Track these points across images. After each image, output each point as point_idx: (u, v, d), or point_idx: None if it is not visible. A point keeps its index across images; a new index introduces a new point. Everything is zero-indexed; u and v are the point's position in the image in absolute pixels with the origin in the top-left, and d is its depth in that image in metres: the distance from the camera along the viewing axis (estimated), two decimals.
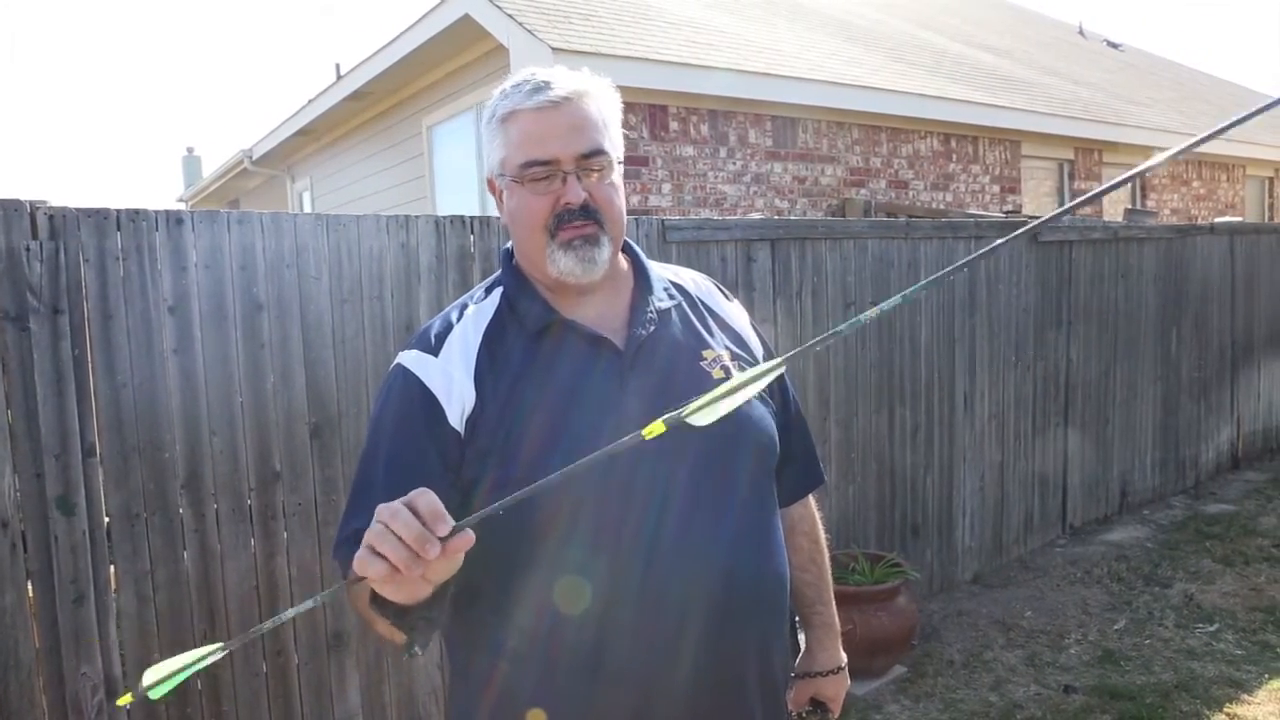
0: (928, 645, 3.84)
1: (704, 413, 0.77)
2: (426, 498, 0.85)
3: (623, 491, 1.15)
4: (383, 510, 0.86)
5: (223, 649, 0.77)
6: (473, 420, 1.19)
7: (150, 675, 0.75)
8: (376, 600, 0.99)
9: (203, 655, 0.76)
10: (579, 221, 1.21)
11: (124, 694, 0.75)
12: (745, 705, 1.23)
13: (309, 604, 0.82)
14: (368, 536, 0.86)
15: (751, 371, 0.79)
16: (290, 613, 0.81)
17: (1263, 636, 3.81)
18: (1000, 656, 3.73)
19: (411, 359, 1.23)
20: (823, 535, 1.53)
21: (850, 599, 3.42)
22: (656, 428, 0.76)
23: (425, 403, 1.19)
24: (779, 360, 0.78)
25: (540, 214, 1.22)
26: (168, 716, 2.42)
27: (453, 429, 1.18)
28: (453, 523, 0.84)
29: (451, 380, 1.20)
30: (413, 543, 0.83)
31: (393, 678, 2.78)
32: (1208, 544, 4.96)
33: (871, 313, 0.77)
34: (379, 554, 0.84)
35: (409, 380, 1.22)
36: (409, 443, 1.19)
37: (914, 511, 4.31)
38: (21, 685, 2.22)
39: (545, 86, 1.21)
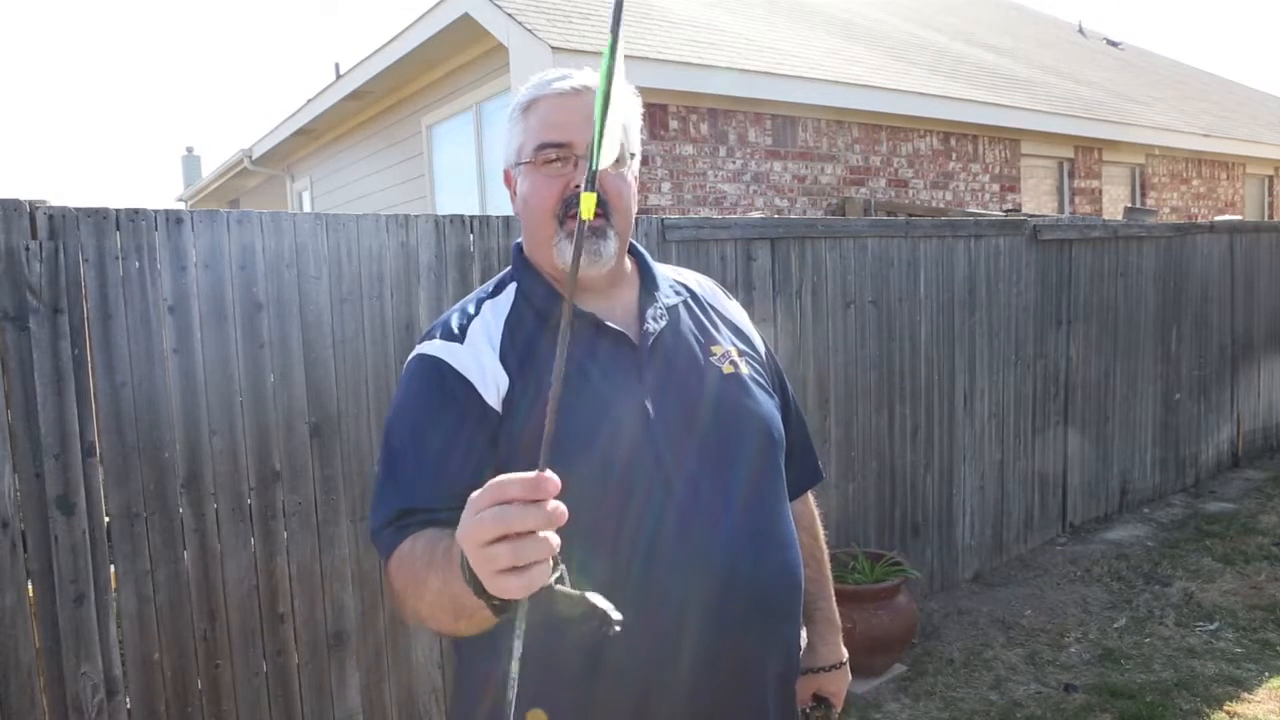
0: (928, 644, 3.84)
1: (606, 149, 0.78)
2: (507, 483, 0.78)
3: (622, 488, 1.16)
4: (481, 529, 0.77)
5: None
6: (509, 400, 1.18)
7: None
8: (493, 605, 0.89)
9: None
10: None
11: None
12: (754, 701, 1.23)
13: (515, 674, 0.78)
14: (491, 564, 0.77)
15: (615, 75, 0.80)
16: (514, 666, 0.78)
17: (1263, 634, 3.81)
18: (1000, 655, 3.73)
19: (436, 348, 1.22)
20: (821, 531, 1.54)
21: (850, 597, 3.42)
22: (590, 201, 0.79)
23: (460, 385, 1.18)
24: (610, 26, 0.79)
25: (550, 197, 1.21)
26: (168, 716, 2.42)
27: (492, 409, 1.17)
28: (549, 478, 0.78)
29: (483, 366, 1.19)
30: (544, 523, 0.77)
31: (393, 677, 2.78)
32: (1208, 542, 4.96)
33: None
34: (517, 568, 0.77)
35: (439, 366, 1.20)
36: (443, 419, 1.16)
37: (914, 510, 4.31)
38: (21, 685, 2.22)
39: (568, 77, 1.24)
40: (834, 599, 1.53)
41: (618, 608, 1.14)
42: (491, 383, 1.18)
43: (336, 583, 2.67)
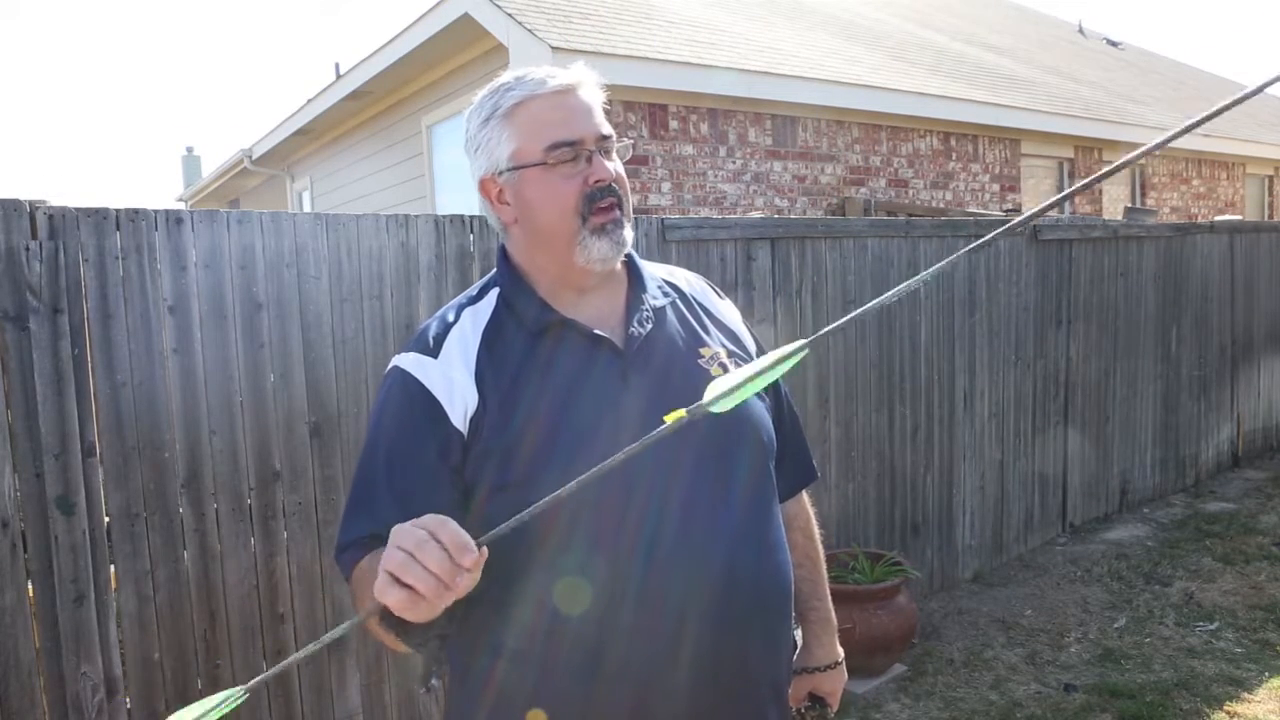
0: (928, 644, 3.84)
1: (725, 400, 0.77)
2: (449, 529, 0.86)
3: (623, 491, 1.15)
4: (404, 538, 0.86)
5: (244, 693, 0.76)
6: (477, 420, 1.18)
7: None
8: (385, 619, 0.98)
9: (224, 700, 0.74)
10: (607, 201, 1.22)
11: None
12: (752, 704, 1.23)
13: (337, 633, 0.80)
14: (390, 565, 0.86)
15: (773, 355, 0.77)
16: (313, 647, 0.80)
17: (1263, 634, 3.81)
18: (1000, 655, 3.73)
19: (409, 361, 1.22)
20: (817, 531, 1.53)
21: (850, 598, 3.42)
22: (678, 414, 0.76)
23: (426, 405, 1.18)
24: (804, 342, 0.76)
25: (571, 197, 1.21)
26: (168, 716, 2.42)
27: (456, 430, 1.17)
28: (476, 552, 0.85)
29: (452, 383, 1.19)
30: (443, 575, 0.84)
31: (393, 678, 2.78)
32: (1208, 542, 4.97)
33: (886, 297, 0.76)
34: (403, 583, 0.85)
35: (408, 383, 1.20)
36: (410, 445, 1.18)
37: (914, 510, 4.31)
38: (22, 685, 2.22)
39: (551, 76, 1.23)
40: (829, 599, 1.52)
41: (618, 609, 1.14)
42: (459, 402, 1.18)
43: (337, 583, 2.67)
